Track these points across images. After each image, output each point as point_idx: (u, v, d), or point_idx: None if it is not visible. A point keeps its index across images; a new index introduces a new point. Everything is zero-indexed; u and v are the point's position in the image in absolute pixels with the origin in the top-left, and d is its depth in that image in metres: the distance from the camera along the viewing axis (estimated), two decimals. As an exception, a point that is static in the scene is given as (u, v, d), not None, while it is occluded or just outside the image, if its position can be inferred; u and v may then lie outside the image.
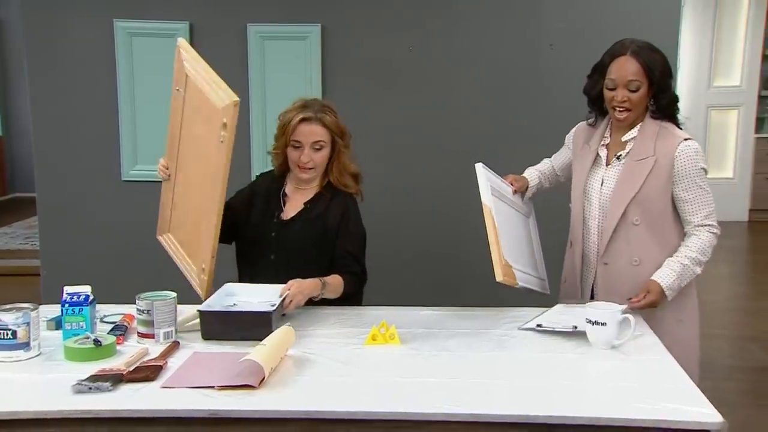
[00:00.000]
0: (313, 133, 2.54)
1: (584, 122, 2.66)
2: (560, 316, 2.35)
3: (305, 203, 2.63)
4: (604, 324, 2.06)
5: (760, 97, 8.27)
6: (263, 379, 1.82)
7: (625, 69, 2.37)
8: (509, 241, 2.39)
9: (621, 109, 2.40)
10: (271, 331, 2.09)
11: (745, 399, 3.92)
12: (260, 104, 3.81)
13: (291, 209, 2.64)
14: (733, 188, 8.33)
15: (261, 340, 2.00)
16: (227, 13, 3.78)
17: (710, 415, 1.67)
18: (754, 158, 8.29)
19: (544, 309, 2.45)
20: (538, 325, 2.27)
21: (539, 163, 2.83)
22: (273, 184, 2.69)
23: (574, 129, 2.72)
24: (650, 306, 2.34)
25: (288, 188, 2.68)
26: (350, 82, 3.77)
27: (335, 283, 2.47)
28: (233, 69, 3.80)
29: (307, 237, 2.58)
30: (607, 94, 2.43)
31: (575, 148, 2.65)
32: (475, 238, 3.32)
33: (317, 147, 2.55)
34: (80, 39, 3.81)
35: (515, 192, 2.65)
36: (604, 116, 2.57)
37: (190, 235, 2.51)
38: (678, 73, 3.75)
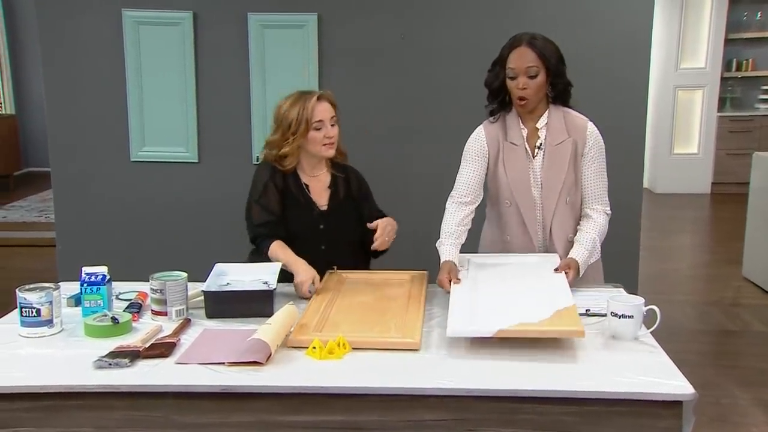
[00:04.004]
0: (328, 109, 2.54)
1: (481, 126, 2.52)
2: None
3: (328, 187, 2.62)
4: (631, 317, 1.94)
5: (723, 79, 8.28)
6: (270, 356, 1.82)
7: (524, 57, 2.36)
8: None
9: (522, 96, 2.38)
10: (272, 308, 2.09)
11: (706, 360, 3.96)
12: (260, 89, 3.77)
13: (320, 198, 2.60)
14: (697, 163, 8.37)
15: (263, 316, 2.00)
16: (229, 3, 3.74)
17: (683, 387, 1.68)
18: (717, 135, 8.29)
19: None
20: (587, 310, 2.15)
21: (447, 235, 2.45)
22: (289, 179, 2.58)
23: (478, 135, 2.50)
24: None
25: (304, 179, 2.60)
26: (345, 69, 3.74)
27: None
28: (235, 56, 3.78)
29: (351, 219, 2.61)
30: (510, 83, 2.40)
31: (492, 149, 2.48)
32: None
33: (332, 123, 2.54)
34: (90, 26, 3.76)
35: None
36: (506, 109, 2.49)
37: None
38: (650, 56, 3.74)
